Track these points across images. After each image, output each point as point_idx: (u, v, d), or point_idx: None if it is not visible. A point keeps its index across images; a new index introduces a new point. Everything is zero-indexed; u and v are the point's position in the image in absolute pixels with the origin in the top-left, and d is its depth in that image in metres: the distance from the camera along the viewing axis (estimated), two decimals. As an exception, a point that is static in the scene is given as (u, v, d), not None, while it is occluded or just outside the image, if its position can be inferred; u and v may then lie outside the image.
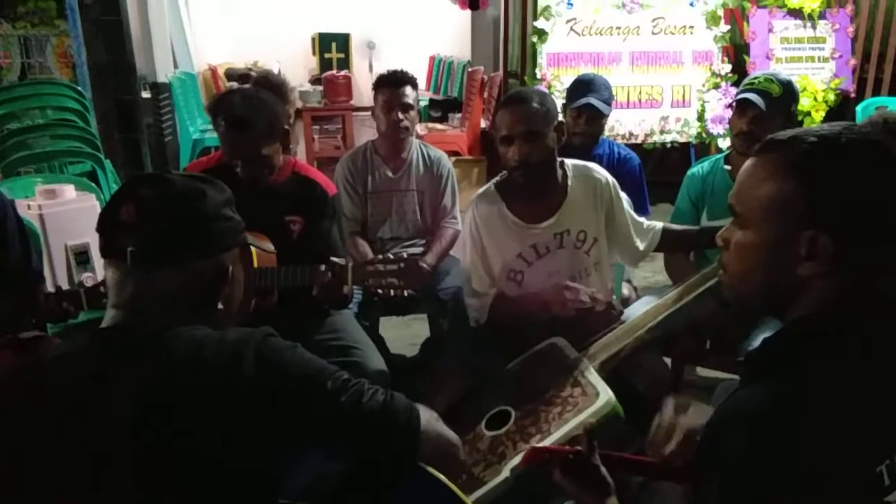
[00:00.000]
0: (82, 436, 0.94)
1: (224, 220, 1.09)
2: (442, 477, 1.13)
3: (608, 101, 2.60)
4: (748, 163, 0.93)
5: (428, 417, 1.15)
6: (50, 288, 1.88)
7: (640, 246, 2.03)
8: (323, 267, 1.77)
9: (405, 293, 1.79)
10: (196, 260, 1.06)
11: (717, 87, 4.90)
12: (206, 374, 0.97)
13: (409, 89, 2.56)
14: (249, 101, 1.91)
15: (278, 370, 1.01)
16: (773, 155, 0.89)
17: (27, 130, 3.91)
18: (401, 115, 2.53)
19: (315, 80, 7.89)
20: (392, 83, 2.56)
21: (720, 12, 4.86)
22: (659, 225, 2.08)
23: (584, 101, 2.55)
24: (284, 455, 1.12)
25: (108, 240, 1.05)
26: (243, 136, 1.87)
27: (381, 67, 2.78)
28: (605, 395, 1.57)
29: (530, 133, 1.81)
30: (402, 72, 2.61)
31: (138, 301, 1.03)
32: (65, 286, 2.05)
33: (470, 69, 6.37)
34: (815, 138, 0.86)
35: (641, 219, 2.07)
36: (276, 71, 1.98)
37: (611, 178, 2.00)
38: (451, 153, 4.73)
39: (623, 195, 2.04)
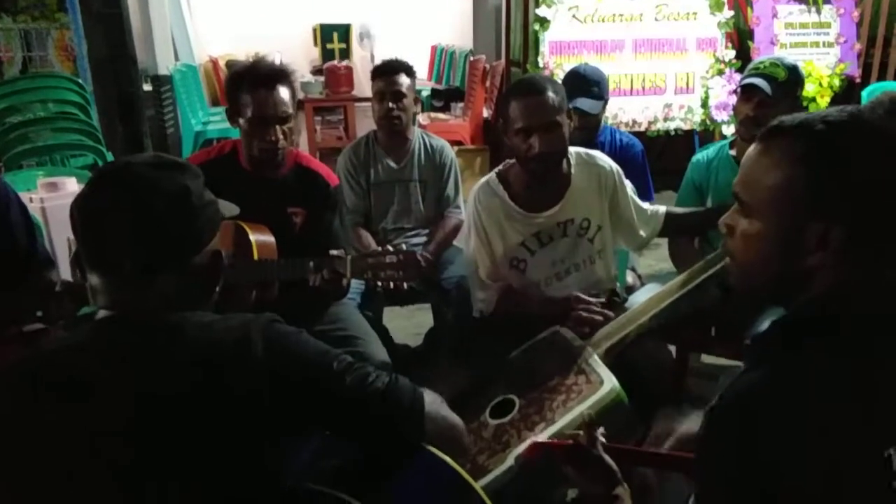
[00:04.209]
0: (89, 423, 0.94)
1: (208, 207, 1.07)
2: (448, 459, 1.14)
3: (600, 96, 2.57)
4: (753, 149, 0.91)
5: (432, 401, 1.16)
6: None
7: (643, 233, 2.02)
8: (323, 259, 1.77)
9: (405, 285, 1.78)
10: (194, 256, 1.05)
11: (720, 73, 4.86)
12: (214, 358, 0.97)
13: (402, 77, 2.54)
14: (275, 64, 1.96)
15: (285, 353, 1.01)
16: (780, 141, 0.87)
17: (29, 124, 3.92)
18: (391, 104, 2.52)
19: (317, 71, 7.87)
20: (385, 72, 2.56)
21: (724, -2, 4.82)
22: (662, 209, 2.06)
23: (569, 105, 2.53)
24: (291, 437, 1.12)
25: (95, 253, 1.01)
26: (275, 89, 1.86)
27: (383, 57, 2.76)
28: (610, 382, 1.56)
29: (551, 124, 1.77)
30: (397, 60, 2.60)
31: (136, 303, 1.01)
32: (67, 278, 2.05)
33: (472, 58, 6.34)
34: (824, 125, 0.84)
35: (645, 204, 2.06)
36: (277, 62, 1.96)
37: (615, 166, 1.99)
38: (454, 143, 4.71)
39: (627, 182, 2.02)
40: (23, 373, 1.00)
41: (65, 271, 2.51)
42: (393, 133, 2.59)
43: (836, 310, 0.84)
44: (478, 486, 1.17)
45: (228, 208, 1.18)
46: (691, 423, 1.30)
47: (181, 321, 1.00)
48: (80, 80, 4.39)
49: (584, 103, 2.50)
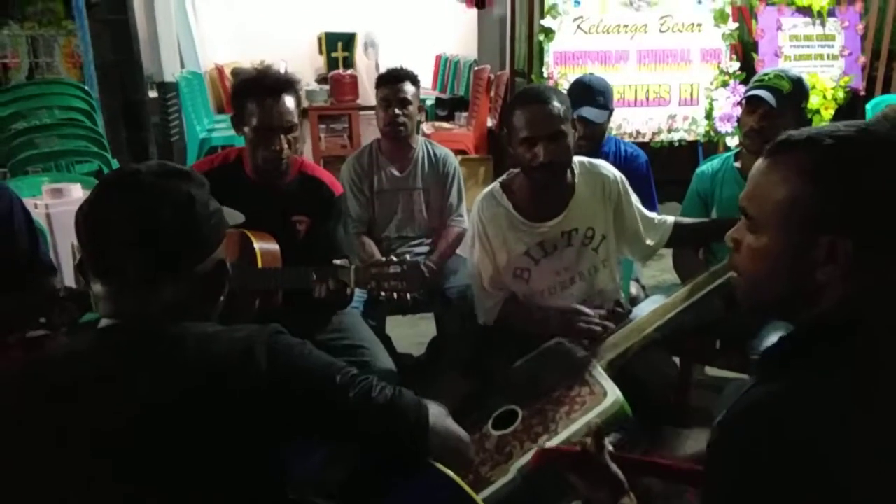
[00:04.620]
0: (90, 434, 0.93)
1: (213, 216, 1.07)
2: (451, 473, 1.13)
3: (605, 106, 2.56)
4: (760, 163, 0.91)
5: (437, 413, 1.15)
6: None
7: (650, 242, 2.02)
8: (327, 268, 1.77)
9: (408, 296, 1.78)
10: (198, 264, 1.04)
11: (725, 85, 4.87)
12: (218, 370, 0.97)
13: (407, 85, 2.56)
14: (281, 74, 1.97)
15: (289, 365, 1.01)
16: (788, 156, 0.87)
17: (34, 130, 3.93)
18: (397, 111, 2.53)
19: (321, 80, 7.91)
20: (390, 80, 2.57)
21: (728, 10, 4.82)
22: (670, 219, 2.05)
23: (574, 114, 2.53)
24: (294, 450, 1.12)
25: (98, 261, 1.01)
26: (280, 99, 1.87)
27: (388, 66, 2.78)
28: (613, 394, 1.56)
29: (556, 133, 1.78)
30: (402, 69, 2.62)
31: (140, 310, 1.01)
32: (71, 284, 2.05)
33: (476, 68, 6.36)
34: (832, 140, 0.84)
35: (652, 214, 2.05)
36: (282, 70, 1.97)
37: (619, 174, 1.98)
38: (458, 152, 4.72)
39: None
40: (24, 379, 1.00)
41: (69, 277, 2.52)
42: (397, 140, 2.59)
43: (846, 323, 0.83)
44: (479, 498, 1.16)
45: (233, 216, 1.18)
46: (694, 441, 1.30)
47: (184, 332, 1.00)
48: (86, 87, 4.41)
49: (590, 112, 2.50)
